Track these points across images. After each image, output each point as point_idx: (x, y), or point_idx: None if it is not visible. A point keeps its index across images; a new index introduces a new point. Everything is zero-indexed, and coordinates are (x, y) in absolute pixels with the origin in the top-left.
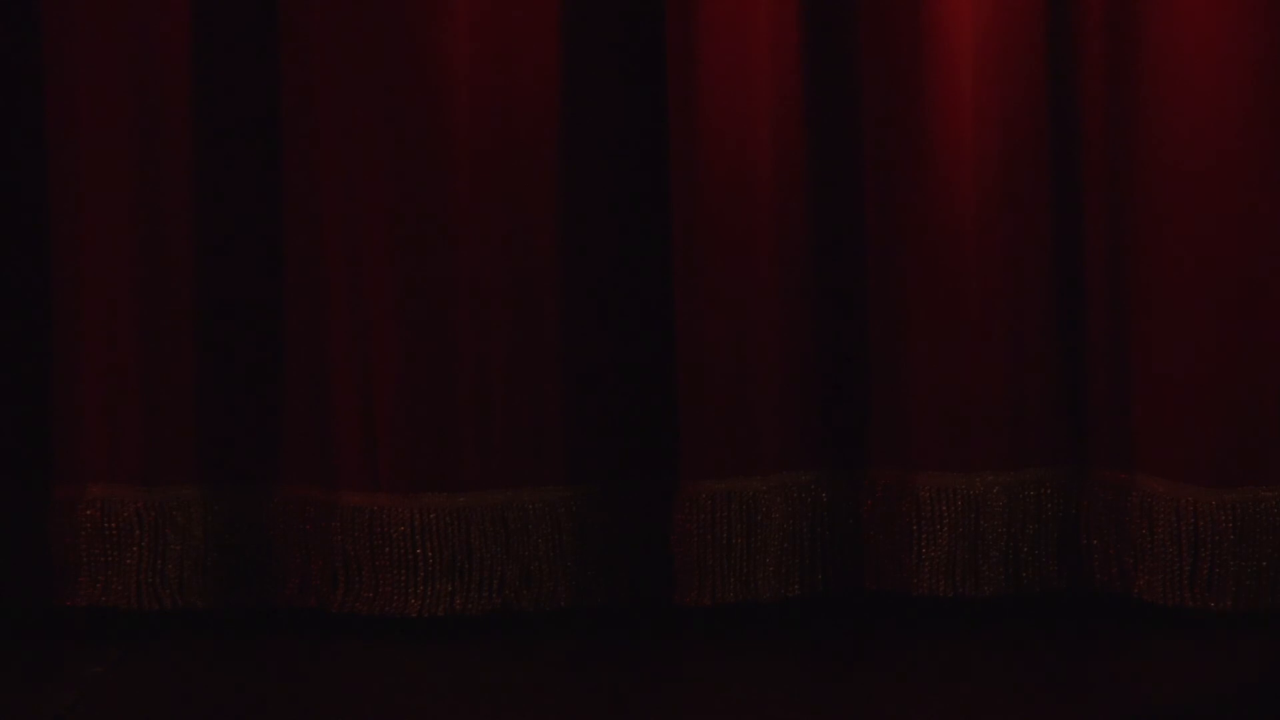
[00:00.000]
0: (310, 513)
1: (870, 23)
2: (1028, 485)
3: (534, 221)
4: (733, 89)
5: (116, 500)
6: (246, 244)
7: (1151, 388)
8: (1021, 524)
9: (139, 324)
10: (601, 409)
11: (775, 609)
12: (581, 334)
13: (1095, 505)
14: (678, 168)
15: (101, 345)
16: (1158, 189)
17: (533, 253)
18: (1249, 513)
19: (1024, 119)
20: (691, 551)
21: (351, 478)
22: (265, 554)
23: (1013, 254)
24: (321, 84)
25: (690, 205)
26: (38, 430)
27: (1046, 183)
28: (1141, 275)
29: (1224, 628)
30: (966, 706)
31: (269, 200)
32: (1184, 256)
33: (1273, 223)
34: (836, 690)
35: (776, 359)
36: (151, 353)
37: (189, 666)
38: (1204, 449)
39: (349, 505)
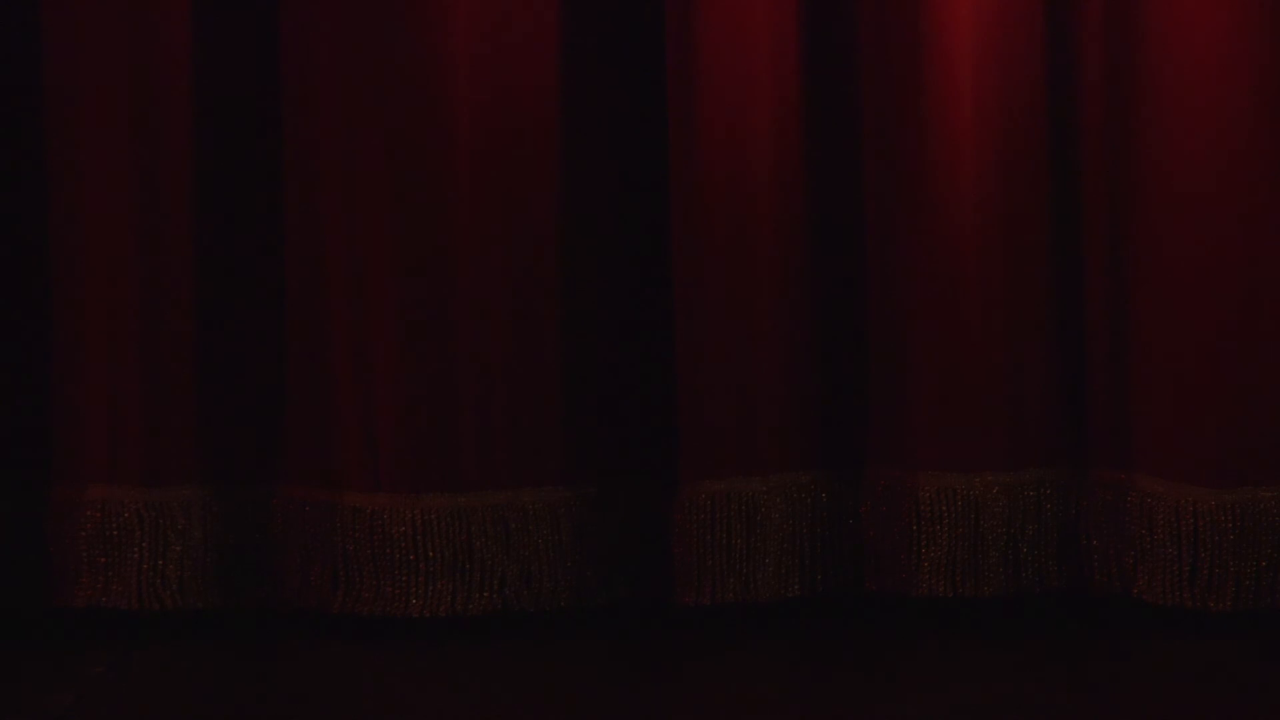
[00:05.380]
0: (310, 513)
1: (870, 22)
2: (1027, 485)
3: (534, 222)
4: (732, 90)
5: (117, 501)
6: (247, 245)
7: (1151, 388)
8: (1021, 524)
9: (139, 325)
10: (601, 409)
11: (775, 609)
12: (581, 334)
13: (1095, 505)
14: (677, 169)
15: (102, 346)
16: (1158, 192)
17: (533, 253)
18: (1248, 513)
19: (1024, 121)
20: (691, 552)
21: (352, 478)
22: (265, 554)
23: (1012, 254)
24: (321, 90)
25: (690, 206)
26: (38, 431)
27: (1046, 184)
28: (1141, 277)
29: (1224, 628)
30: (966, 707)
31: (270, 202)
32: (1184, 258)
33: (1274, 226)
34: (836, 690)
35: (776, 359)
36: (152, 354)
37: (189, 666)
38: (1203, 449)
39: (349, 505)
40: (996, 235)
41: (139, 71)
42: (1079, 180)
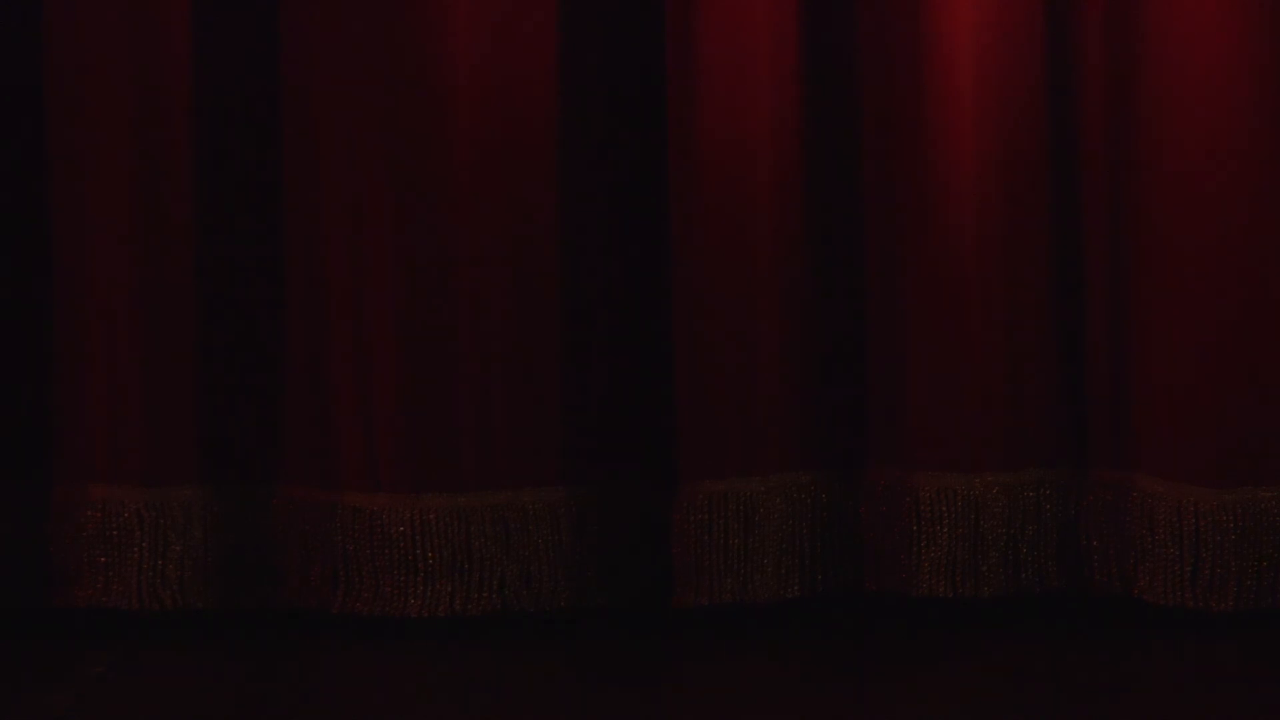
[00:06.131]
0: (310, 513)
1: (870, 22)
2: (1027, 486)
3: (533, 221)
4: (732, 90)
5: (117, 501)
6: (247, 245)
7: (1151, 388)
8: (1021, 524)
9: (140, 325)
10: (601, 409)
11: (775, 609)
12: (581, 334)
13: (1095, 506)
14: (677, 169)
15: (102, 346)
16: (1159, 192)
17: (532, 252)
18: (1249, 512)
19: (1024, 121)
20: (690, 552)
21: (352, 478)
22: (265, 554)
23: (1012, 255)
24: (321, 89)
25: (689, 206)
26: (38, 430)
27: (1046, 183)
28: (1142, 277)
29: (1224, 628)
30: (966, 707)
31: (270, 202)
32: (1185, 259)
33: (1276, 227)
34: (836, 691)
35: (775, 359)
36: (152, 353)
37: (189, 666)
38: (1204, 449)
39: (349, 505)
40: (996, 235)
41: (140, 72)
42: (1079, 180)
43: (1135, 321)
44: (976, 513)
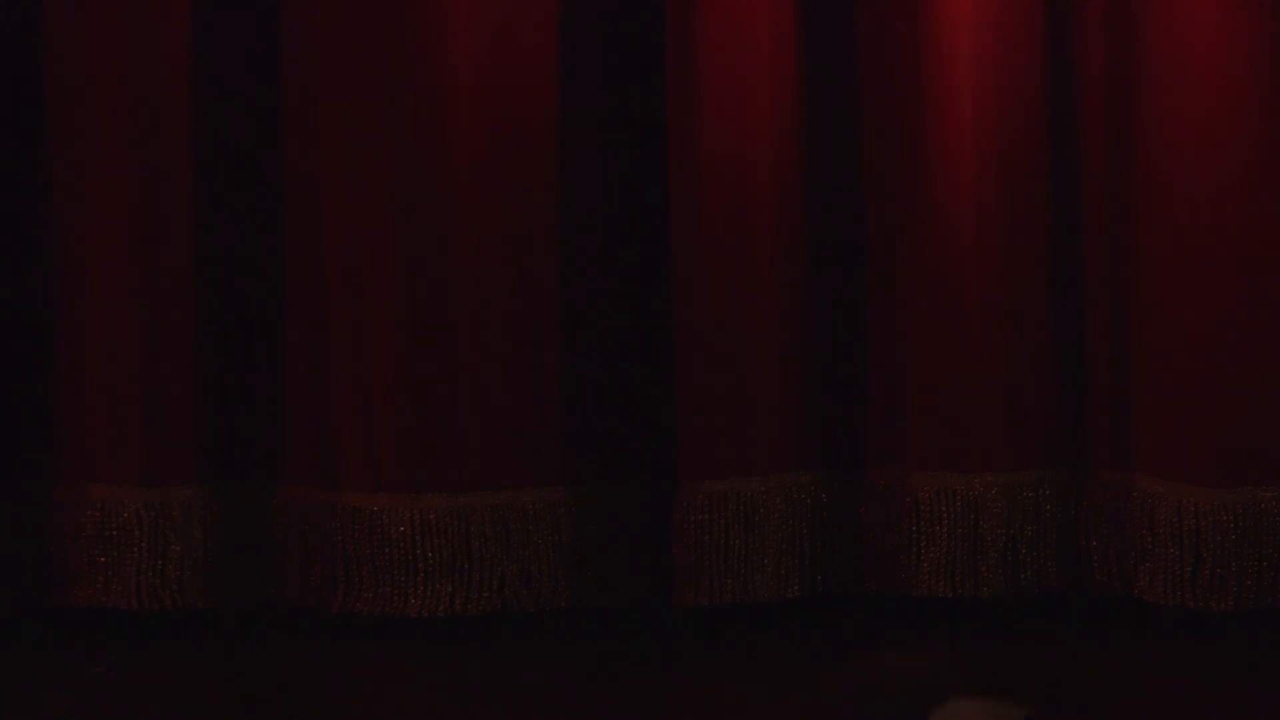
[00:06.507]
0: (310, 513)
1: (870, 23)
2: (1027, 486)
3: (533, 222)
4: (732, 91)
5: (117, 501)
6: (247, 245)
7: (1151, 388)
8: (1020, 525)
9: (140, 325)
10: (602, 409)
11: (775, 609)
12: (581, 334)
13: (1095, 506)
14: (677, 170)
15: (102, 346)
16: (1159, 193)
17: (532, 252)
18: (1249, 512)
19: (1024, 122)
20: (689, 552)
21: (352, 478)
22: (265, 554)
23: (1012, 255)
24: (321, 90)
25: (689, 207)
26: (38, 430)
27: (1046, 184)
28: (1142, 277)
29: (1224, 628)
30: None
31: (270, 200)
32: (1185, 259)
33: (1274, 227)
34: (835, 690)
35: (775, 359)
36: (152, 353)
37: (189, 666)
38: (1204, 449)
39: (349, 505)
40: (996, 236)
41: (140, 72)
42: (1079, 181)
43: (1135, 321)
44: (976, 513)
